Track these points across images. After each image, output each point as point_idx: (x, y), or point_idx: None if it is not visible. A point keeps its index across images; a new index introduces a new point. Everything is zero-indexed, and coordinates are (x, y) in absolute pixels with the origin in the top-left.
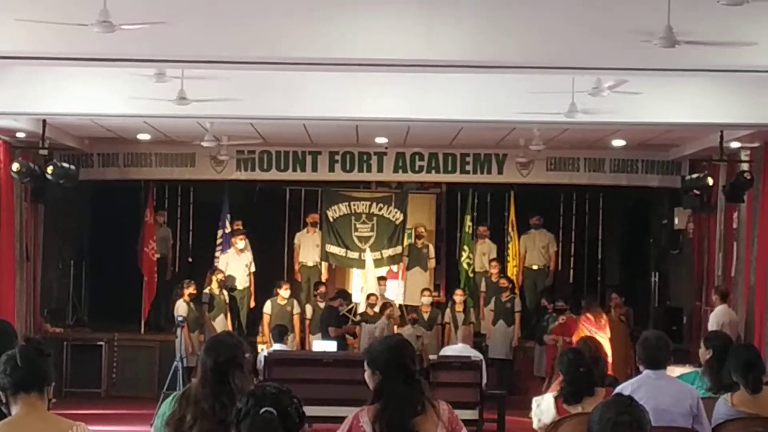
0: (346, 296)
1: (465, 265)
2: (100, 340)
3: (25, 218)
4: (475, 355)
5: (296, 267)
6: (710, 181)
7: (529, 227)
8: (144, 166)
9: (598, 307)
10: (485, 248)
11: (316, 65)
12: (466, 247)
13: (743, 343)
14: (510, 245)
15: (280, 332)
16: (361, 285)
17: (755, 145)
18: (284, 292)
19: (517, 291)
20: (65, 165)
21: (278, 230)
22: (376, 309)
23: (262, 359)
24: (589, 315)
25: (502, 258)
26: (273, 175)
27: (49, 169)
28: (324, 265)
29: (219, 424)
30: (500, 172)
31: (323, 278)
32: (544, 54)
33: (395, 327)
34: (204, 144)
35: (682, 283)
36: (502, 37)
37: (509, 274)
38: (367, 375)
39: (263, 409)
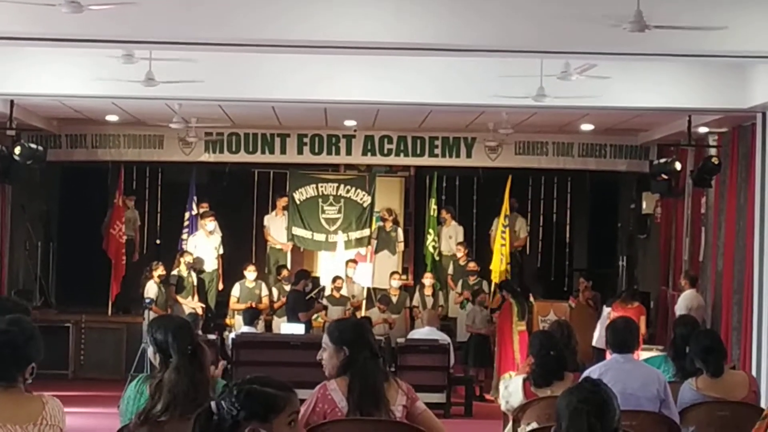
0: (307, 276)
1: (431, 249)
2: (67, 321)
3: None
4: (442, 338)
5: (269, 242)
6: (678, 166)
7: (498, 212)
8: (112, 148)
9: (630, 297)
10: (451, 231)
11: (285, 47)
12: (431, 231)
13: (703, 329)
14: (505, 228)
15: (251, 315)
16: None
17: (723, 130)
18: (250, 274)
19: (499, 274)
20: (33, 146)
21: (246, 213)
22: (343, 292)
23: (230, 342)
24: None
25: (471, 241)
26: (241, 157)
27: (17, 150)
28: (289, 247)
29: (192, 402)
30: (469, 155)
31: (288, 261)
32: (512, 37)
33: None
34: (172, 126)
35: (650, 267)
36: (470, 20)
37: (501, 255)
38: (328, 353)
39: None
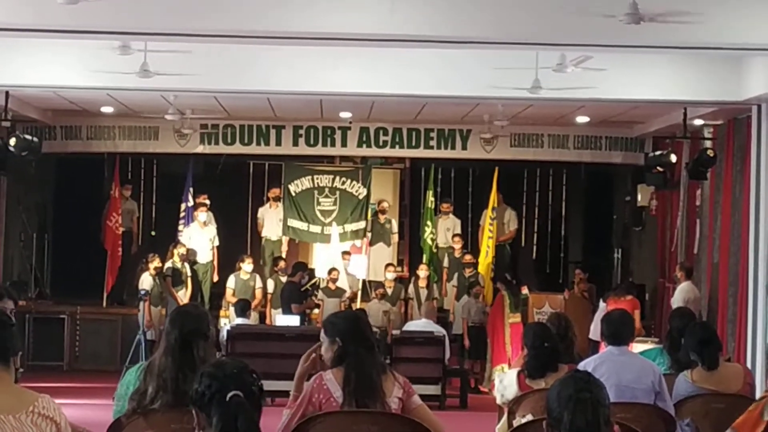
0: (305, 269)
1: (428, 241)
2: (62, 313)
3: None
4: (438, 330)
5: (262, 241)
6: (673, 158)
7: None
8: (107, 139)
9: (623, 290)
10: (449, 223)
11: (281, 39)
12: (429, 223)
13: (698, 321)
14: (493, 221)
15: (243, 307)
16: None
17: (718, 122)
18: (247, 266)
19: (486, 267)
20: (28, 137)
21: (241, 204)
22: (339, 284)
23: (225, 333)
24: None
25: (466, 233)
26: (237, 149)
27: (12, 141)
28: (285, 239)
29: (183, 395)
30: (464, 147)
31: (283, 252)
32: (508, 29)
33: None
34: (167, 117)
35: (645, 259)
36: (466, 12)
37: (487, 248)
38: (324, 346)
39: (230, 394)
